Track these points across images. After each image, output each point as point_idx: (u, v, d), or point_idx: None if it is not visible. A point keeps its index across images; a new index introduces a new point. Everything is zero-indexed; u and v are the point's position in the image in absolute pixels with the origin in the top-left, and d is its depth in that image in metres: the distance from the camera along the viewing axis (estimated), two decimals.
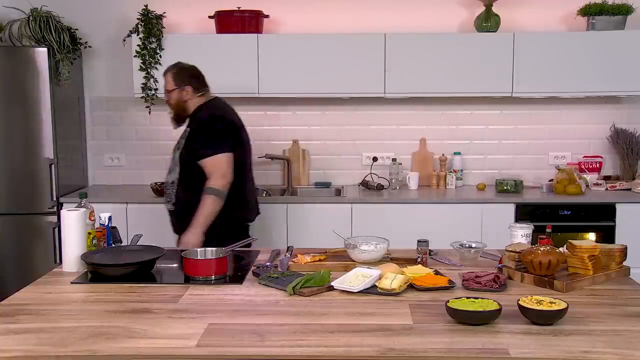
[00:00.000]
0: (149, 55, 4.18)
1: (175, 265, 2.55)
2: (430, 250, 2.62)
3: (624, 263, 2.43)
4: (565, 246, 2.40)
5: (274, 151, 4.56)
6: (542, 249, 2.29)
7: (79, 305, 2.13)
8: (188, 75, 3.26)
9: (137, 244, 2.65)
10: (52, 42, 4.09)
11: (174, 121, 3.33)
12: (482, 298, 1.98)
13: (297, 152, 4.59)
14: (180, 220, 3.15)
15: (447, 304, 1.92)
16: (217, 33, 4.29)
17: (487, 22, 4.28)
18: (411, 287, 2.22)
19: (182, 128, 3.31)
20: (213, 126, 3.16)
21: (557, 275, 2.29)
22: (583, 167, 4.47)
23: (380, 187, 4.26)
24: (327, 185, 4.58)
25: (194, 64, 3.34)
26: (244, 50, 4.20)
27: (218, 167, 3.09)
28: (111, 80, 4.59)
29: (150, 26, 4.16)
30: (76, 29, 4.39)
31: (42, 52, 4.00)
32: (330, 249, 2.68)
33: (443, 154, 4.53)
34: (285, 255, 2.62)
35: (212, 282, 2.34)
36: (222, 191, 3.07)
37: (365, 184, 4.39)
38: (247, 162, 3.32)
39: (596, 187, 4.30)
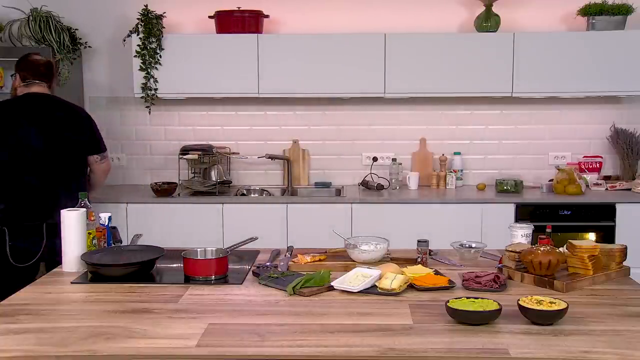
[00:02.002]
0: (149, 55, 4.18)
1: (175, 265, 2.55)
2: (430, 250, 2.62)
3: (624, 263, 2.43)
4: (565, 246, 2.41)
5: (274, 151, 4.56)
6: (542, 249, 2.29)
7: (79, 305, 2.12)
8: (18, 64, 3.33)
9: (137, 244, 2.65)
10: (52, 42, 4.10)
11: None
12: (482, 298, 1.98)
13: (297, 152, 4.59)
14: None
15: (447, 304, 1.92)
16: (217, 33, 4.29)
17: (487, 22, 4.28)
18: (411, 287, 2.22)
19: None
20: None
21: (557, 275, 2.29)
22: (583, 167, 4.47)
23: (380, 187, 4.26)
24: (327, 185, 4.58)
25: (46, 58, 3.41)
26: (244, 50, 4.20)
27: None
28: (111, 80, 4.60)
29: (150, 26, 4.16)
30: (76, 29, 4.39)
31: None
32: (330, 249, 2.68)
33: (443, 154, 4.53)
34: (285, 255, 2.62)
35: (212, 282, 2.34)
36: None
37: (365, 184, 4.39)
38: (16, 163, 3.21)
39: (596, 187, 4.30)
